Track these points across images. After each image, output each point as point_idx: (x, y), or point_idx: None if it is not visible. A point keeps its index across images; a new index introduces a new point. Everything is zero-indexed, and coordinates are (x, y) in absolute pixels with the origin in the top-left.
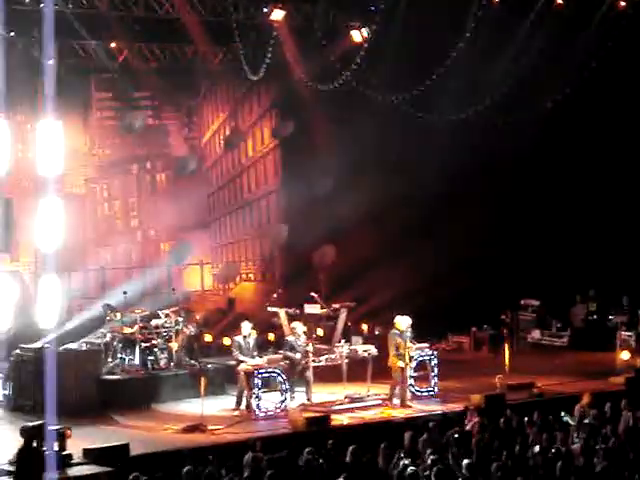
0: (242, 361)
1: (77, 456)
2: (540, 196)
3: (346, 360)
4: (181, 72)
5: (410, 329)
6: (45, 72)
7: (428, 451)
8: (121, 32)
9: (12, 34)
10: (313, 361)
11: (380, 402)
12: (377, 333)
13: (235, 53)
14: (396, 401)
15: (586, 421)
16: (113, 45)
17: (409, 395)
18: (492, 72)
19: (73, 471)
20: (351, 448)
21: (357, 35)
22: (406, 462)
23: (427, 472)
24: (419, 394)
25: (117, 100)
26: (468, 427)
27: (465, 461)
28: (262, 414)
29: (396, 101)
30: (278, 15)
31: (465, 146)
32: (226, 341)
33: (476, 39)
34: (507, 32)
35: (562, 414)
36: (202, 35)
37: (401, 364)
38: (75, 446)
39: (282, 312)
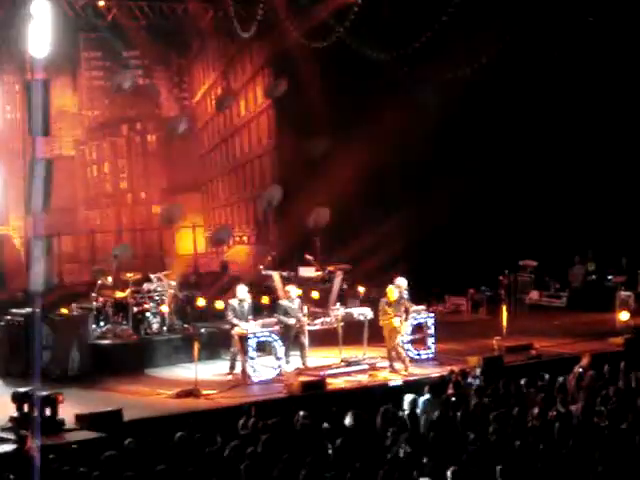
0: (236, 325)
1: (69, 421)
2: (539, 156)
3: (342, 323)
4: (171, 30)
5: (406, 290)
6: (33, 32)
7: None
8: None
9: None
10: (308, 325)
11: (377, 365)
12: (373, 296)
13: (226, 10)
14: (399, 365)
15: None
16: (101, 3)
17: (407, 359)
18: (486, 32)
19: (65, 437)
20: (350, 413)
21: None
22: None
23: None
24: (416, 357)
25: (106, 60)
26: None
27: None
28: (257, 379)
29: (389, 59)
30: None
31: (461, 104)
32: (219, 305)
33: None
34: None
35: None
36: None
37: (396, 322)
38: (67, 411)
39: (276, 275)
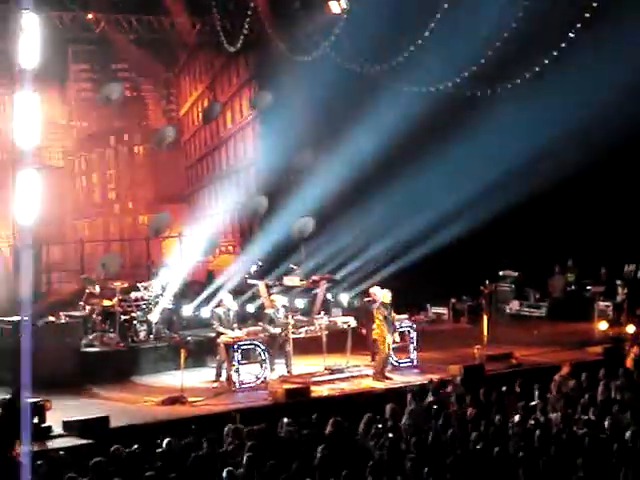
0: (222, 333)
1: (57, 428)
2: (518, 167)
3: (325, 332)
4: (158, 44)
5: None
6: (22, 44)
7: (407, 421)
8: (98, 3)
9: None
10: (293, 333)
11: (360, 373)
12: (356, 305)
13: (213, 24)
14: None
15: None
16: (90, 16)
17: (389, 367)
18: (471, 42)
19: (53, 443)
20: (331, 420)
21: (335, 6)
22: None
23: (406, 441)
24: (398, 365)
25: (94, 72)
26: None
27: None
28: (242, 386)
29: (374, 72)
30: None
31: (443, 116)
32: (205, 313)
33: (454, 9)
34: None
35: None
36: (179, 6)
37: (389, 339)
38: (55, 418)
39: (261, 284)
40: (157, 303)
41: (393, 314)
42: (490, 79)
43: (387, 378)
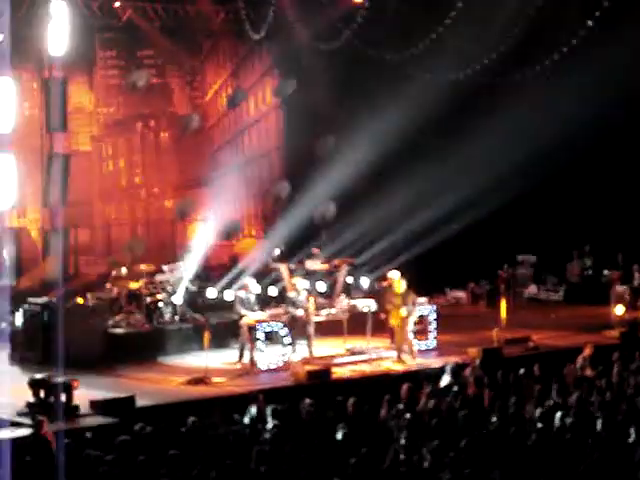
0: (244, 315)
1: (84, 407)
2: (537, 152)
3: (346, 314)
4: (183, 31)
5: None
6: (51, 31)
7: (427, 402)
8: None
9: None
10: (314, 316)
11: (380, 355)
12: (377, 288)
13: (237, 12)
14: (406, 356)
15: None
16: (117, 4)
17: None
18: (491, 30)
19: (80, 422)
20: (351, 400)
21: None
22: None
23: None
24: (417, 348)
25: (121, 59)
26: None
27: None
28: (264, 367)
29: (397, 60)
30: None
31: (464, 101)
32: (229, 296)
33: None
34: None
35: None
36: None
37: (403, 312)
38: (82, 398)
39: (284, 268)
40: (181, 285)
41: (413, 296)
42: (510, 66)
43: (409, 360)
